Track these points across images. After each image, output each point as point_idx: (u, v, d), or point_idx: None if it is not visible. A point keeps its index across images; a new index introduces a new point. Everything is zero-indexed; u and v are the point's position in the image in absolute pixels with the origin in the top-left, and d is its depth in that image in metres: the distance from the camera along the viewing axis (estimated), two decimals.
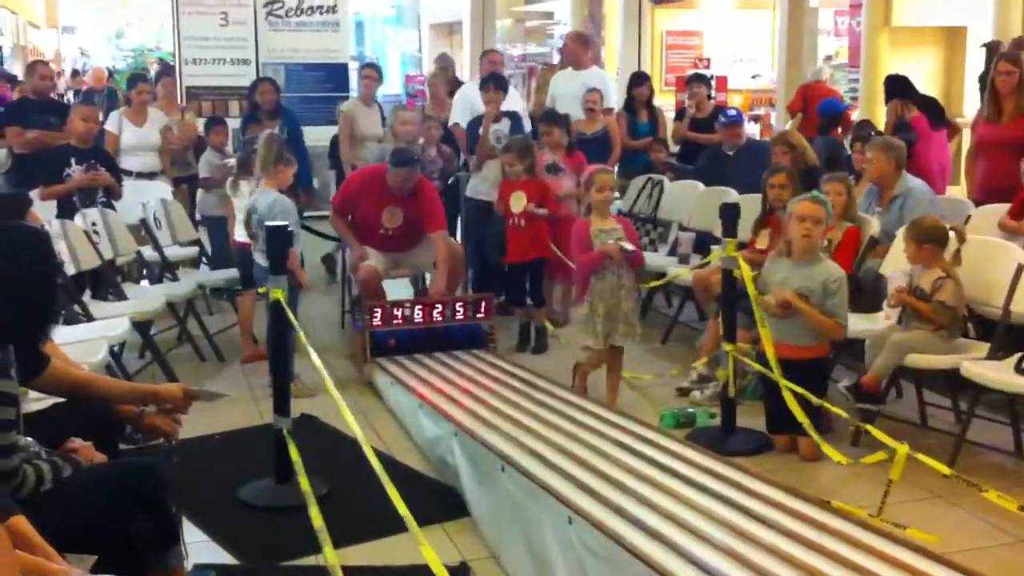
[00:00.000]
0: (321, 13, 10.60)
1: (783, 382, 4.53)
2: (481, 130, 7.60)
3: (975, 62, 10.97)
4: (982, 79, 8.84)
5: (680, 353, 6.65)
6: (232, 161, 8.00)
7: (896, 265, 5.21)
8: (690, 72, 11.35)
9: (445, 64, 10.20)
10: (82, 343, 4.89)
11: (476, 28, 21.68)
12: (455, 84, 9.66)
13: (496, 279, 7.28)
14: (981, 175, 6.50)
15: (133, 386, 3.86)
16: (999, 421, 4.93)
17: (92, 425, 3.29)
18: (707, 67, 16.33)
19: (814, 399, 4.38)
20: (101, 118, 8.51)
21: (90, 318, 5.61)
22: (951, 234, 4.92)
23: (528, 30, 22.87)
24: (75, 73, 20.66)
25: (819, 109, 9.32)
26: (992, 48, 9.17)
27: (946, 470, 3.58)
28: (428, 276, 7.20)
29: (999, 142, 6.30)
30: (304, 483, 3.53)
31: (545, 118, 7.71)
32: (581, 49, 9.08)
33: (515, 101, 8.52)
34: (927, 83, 10.63)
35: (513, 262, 6.89)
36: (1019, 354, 4.54)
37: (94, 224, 6.38)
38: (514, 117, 8.28)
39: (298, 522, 3.58)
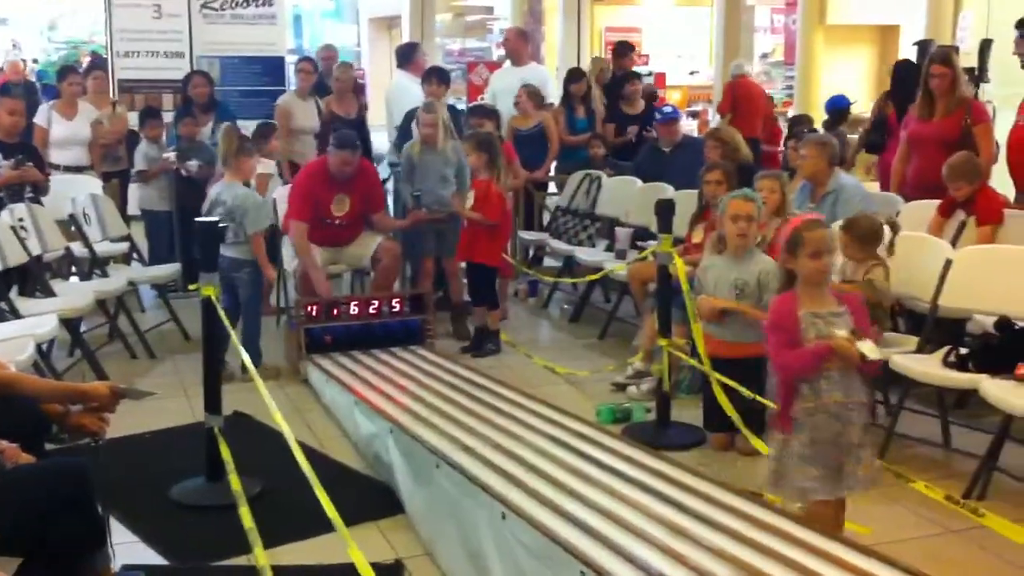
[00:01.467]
0: (257, 6, 10.48)
1: (714, 375, 4.56)
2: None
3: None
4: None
5: (617, 348, 6.68)
6: (172, 155, 7.91)
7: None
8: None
9: (332, 53, 10.11)
10: (9, 341, 4.80)
11: (415, 22, 21.59)
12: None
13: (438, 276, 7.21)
14: (912, 172, 6.60)
15: (59, 385, 3.79)
16: (928, 413, 5.01)
17: (18, 425, 3.22)
18: (646, 63, 16.43)
19: (746, 393, 4.41)
20: None
21: (17, 315, 5.50)
22: (885, 228, 4.99)
23: (468, 25, 22.84)
24: None
25: (826, 105, 9.43)
26: (923, 46, 9.32)
27: (875, 462, 3.62)
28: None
29: (929, 139, 6.39)
30: (235, 482, 3.49)
31: (475, 111, 7.69)
32: (522, 45, 9.12)
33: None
34: (860, 80, 10.78)
35: (459, 260, 6.86)
36: (947, 348, 4.62)
37: (21, 220, 6.24)
38: (452, 110, 8.25)
39: (229, 521, 3.54)
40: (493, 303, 6.76)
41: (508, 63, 9.32)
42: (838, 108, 9.21)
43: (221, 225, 5.75)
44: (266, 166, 7.61)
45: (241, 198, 6.05)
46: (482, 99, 9.73)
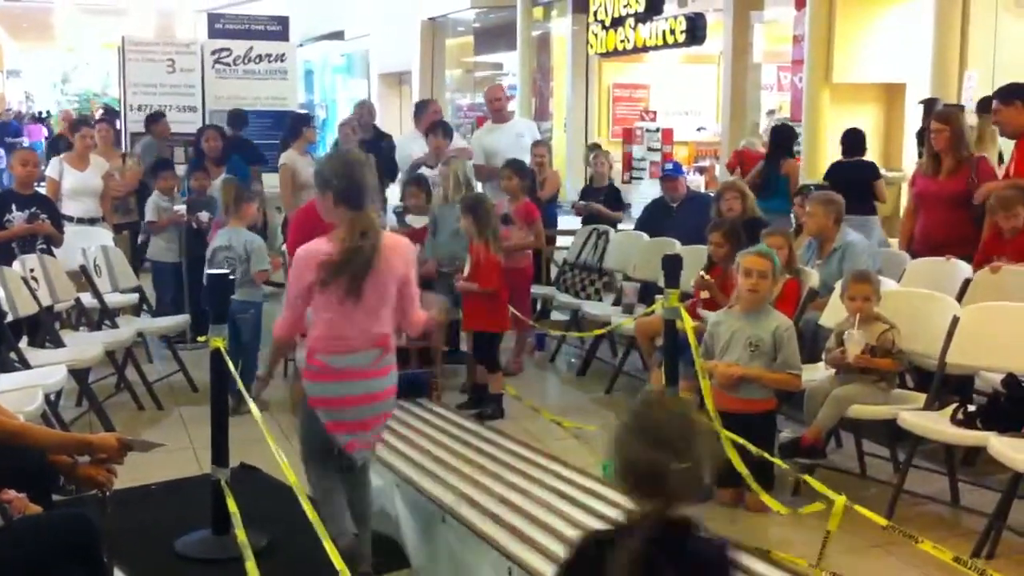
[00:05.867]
0: (269, 61, 10.65)
1: (724, 433, 4.55)
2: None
3: (913, 118, 11.23)
4: (919, 135, 9.03)
5: (624, 403, 6.66)
6: (183, 208, 7.98)
7: (835, 316, 5.27)
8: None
9: (363, 111, 10.21)
10: (17, 391, 4.81)
11: (425, 78, 21.83)
12: (370, 131, 9.77)
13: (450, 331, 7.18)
14: (919, 229, 6.61)
15: (66, 436, 3.80)
16: (936, 471, 4.99)
17: (25, 476, 3.23)
18: (653, 119, 16.58)
19: (753, 450, 4.40)
20: None
21: (26, 366, 5.52)
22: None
23: (477, 80, 23.05)
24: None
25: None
26: (929, 105, 9.39)
27: (883, 521, 3.61)
28: None
29: (937, 196, 6.42)
30: (241, 535, 3.49)
31: (509, 165, 7.62)
32: (507, 102, 9.27)
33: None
34: (867, 138, 10.82)
35: (463, 329, 6.68)
36: (955, 405, 4.61)
37: (32, 270, 6.29)
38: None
39: (235, 575, 3.53)
40: (493, 365, 6.48)
41: (490, 121, 9.30)
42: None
43: (228, 269, 6.01)
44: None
45: (247, 242, 6.47)
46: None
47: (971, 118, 8.02)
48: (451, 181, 6.83)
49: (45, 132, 17.93)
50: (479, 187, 7.03)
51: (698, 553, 2.12)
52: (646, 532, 2.05)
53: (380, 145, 9.65)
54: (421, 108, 9.40)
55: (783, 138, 9.72)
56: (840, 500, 3.61)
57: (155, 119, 9.86)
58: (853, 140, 8.89)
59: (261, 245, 6.61)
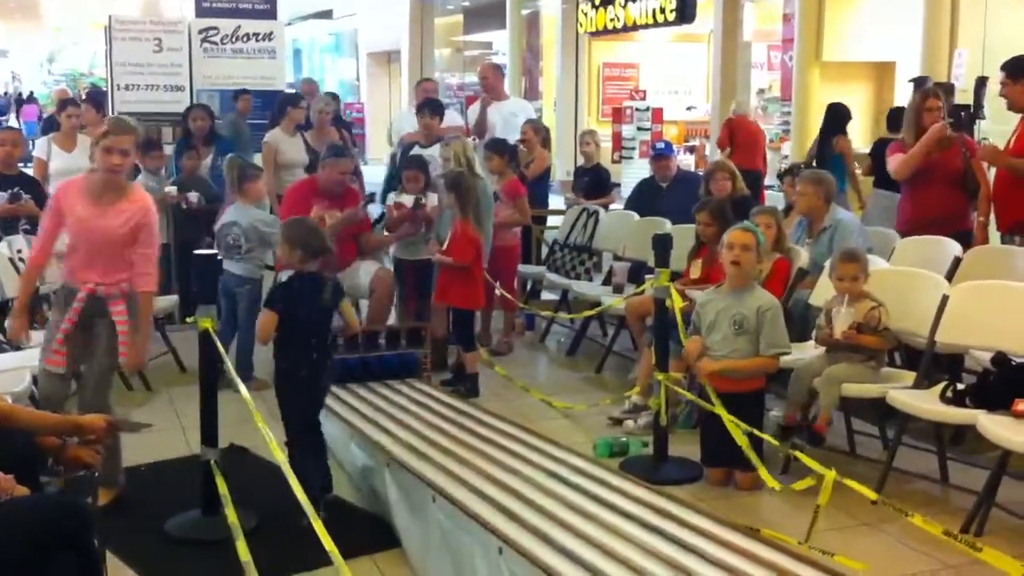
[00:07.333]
0: (257, 40, 10.57)
1: (724, 415, 4.55)
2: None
3: (904, 96, 11.23)
4: None
5: (614, 382, 6.67)
6: (173, 189, 7.93)
7: (825, 295, 5.27)
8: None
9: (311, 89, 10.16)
10: (5, 372, 4.79)
11: (415, 57, 21.77)
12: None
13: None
14: (914, 208, 6.59)
15: (55, 417, 3.78)
16: (925, 449, 5.00)
17: (13, 458, 3.21)
18: (643, 98, 16.56)
19: (745, 428, 4.40)
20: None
21: (13, 347, 5.48)
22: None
23: (467, 60, 22.99)
24: None
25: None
26: (919, 83, 9.38)
27: (873, 495, 3.61)
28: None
29: (932, 174, 6.40)
30: (231, 515, 3.48)
31: (489, 145, 7.66)
32: (499, 80, 9.20)
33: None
34: (856, 116, 10.83)
35: (436, 301, 6.67)
36: (944, 383, 4.62)
37: (20, 251, 6.25)
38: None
39: (225, 555, 3.52)
40: (469, 344, 6.44)
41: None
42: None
43: (235, 244, 6.41)
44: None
45: (257, 220, 6.50)
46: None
47: (962, 96, 8.02)
48: (452, 162, 6.81)
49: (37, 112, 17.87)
50: (479, 166, 6.97)
51: (318, 281, 4.48)
52: (306, 271, 4.46)
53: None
54: (418, 86, 9.43)
55: (836, 116, 9.59)
56: (830, 475, 3.62)
57: (237, 95, 9.88)
58: (895, 117, 8.82)
59: (273, 220, 6.57)
